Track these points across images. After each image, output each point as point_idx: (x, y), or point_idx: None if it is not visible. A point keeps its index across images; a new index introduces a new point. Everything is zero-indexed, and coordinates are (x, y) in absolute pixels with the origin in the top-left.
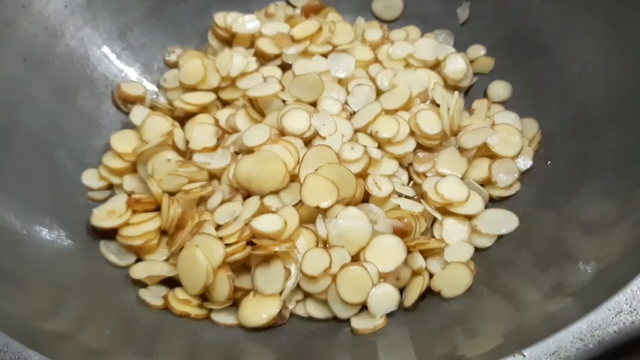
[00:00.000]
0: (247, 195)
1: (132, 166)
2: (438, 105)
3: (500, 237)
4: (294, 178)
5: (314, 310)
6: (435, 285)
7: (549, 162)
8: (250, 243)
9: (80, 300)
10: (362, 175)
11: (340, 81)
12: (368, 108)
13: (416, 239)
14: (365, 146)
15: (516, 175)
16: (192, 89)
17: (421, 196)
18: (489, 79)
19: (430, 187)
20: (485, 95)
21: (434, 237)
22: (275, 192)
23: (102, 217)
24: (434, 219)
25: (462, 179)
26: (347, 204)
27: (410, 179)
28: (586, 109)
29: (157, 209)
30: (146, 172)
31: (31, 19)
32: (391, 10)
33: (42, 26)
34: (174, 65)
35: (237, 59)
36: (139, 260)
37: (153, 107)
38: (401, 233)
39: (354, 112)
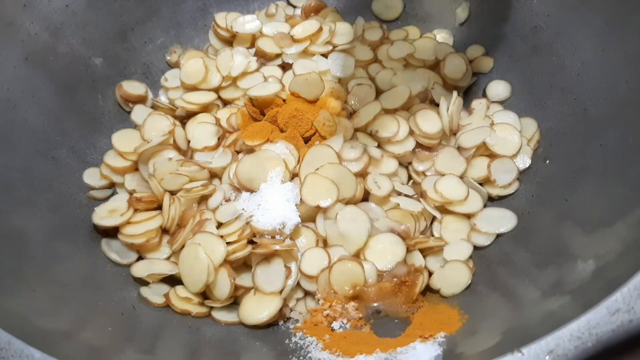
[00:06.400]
0: None
1: (133, 165)
2: (437, 105)
3: (499, 236)
4: (294, 177)
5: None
6: (435, 283)
7: (547, 161)
8: (251, 242)
9: (81, 298)
10: (362, 174)
11: (340, 81)
12: (368, 107)
13: (415, 238)
14: (365, 145)
15: (515, 174)
16: (193, 88)
17: (420, 195)
18: (488, 78)
19: (429, 186)
20: (484, 94)
21: (433, 235)
22: None
23: (103, 216)
24: (434, 218)
25: (461, 177)
26: (347, 203)
27: (410, 177)
28: (585, 108)
29: (159, 207)
30: (147, 171)
31: (33, 19)
32: (391, 10)
33: (44, 25)
34: (175, 65)
35: (238, 59)
36: (140, 258)
37: (154, 107)
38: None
39: (354, 112)
